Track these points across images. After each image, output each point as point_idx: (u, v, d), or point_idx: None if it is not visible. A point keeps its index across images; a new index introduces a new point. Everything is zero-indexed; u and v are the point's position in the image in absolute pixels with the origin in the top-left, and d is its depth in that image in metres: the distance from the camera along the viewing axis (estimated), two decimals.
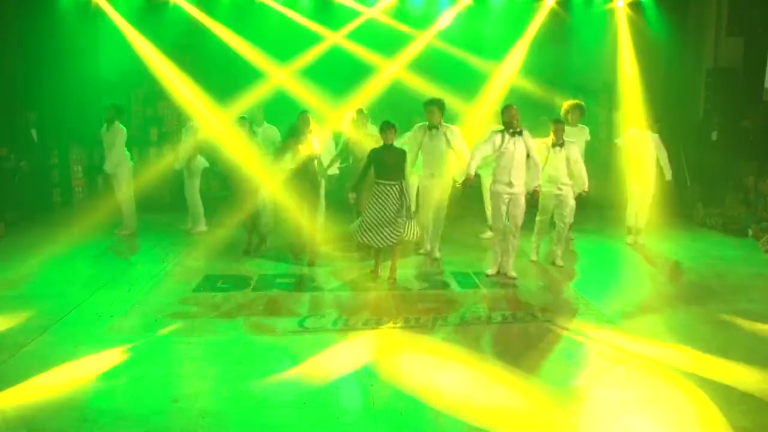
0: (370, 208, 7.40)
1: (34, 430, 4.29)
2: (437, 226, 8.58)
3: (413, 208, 7.64)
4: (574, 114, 9.17)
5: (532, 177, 7.69)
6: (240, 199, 8.57)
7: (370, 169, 7.50)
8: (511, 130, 7.54)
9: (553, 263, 8.40)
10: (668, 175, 9.25)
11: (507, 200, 7.66)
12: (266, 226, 9.24)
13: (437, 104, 8.20)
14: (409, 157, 7.83)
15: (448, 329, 6.08)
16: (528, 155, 7.60)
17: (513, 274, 7.78)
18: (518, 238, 7.84)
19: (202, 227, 10.13)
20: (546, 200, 8.27)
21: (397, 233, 7.34)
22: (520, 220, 7.72)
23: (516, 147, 7.52)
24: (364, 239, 7.47)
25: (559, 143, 8.12)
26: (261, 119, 10.07)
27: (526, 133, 7.63)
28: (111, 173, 9.85)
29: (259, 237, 8.92)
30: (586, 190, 8.23)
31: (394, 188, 7.36)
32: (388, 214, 7.31)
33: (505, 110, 7.69)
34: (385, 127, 7.45)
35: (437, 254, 8.65)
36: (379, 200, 7.35)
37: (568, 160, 8.10)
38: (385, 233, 7.32)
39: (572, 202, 8.22)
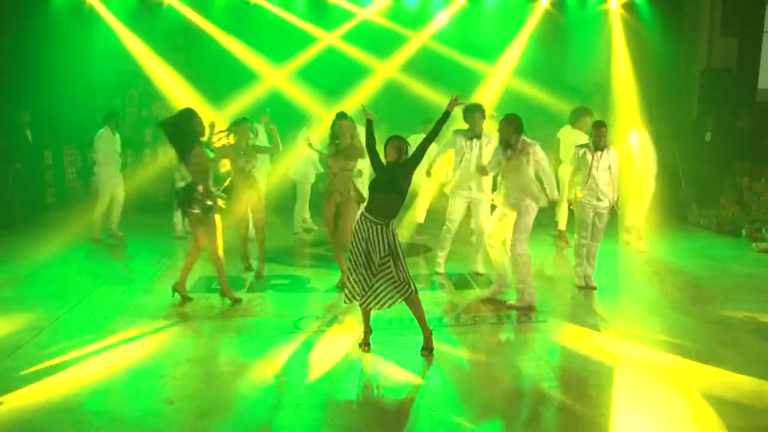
0: (351, 244, 5.56)
1: (29, 431, 4.28)
2: (481, 242, 7.57)
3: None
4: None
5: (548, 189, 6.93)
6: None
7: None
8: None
9: (586, 285, 7.45)
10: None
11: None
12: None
13: (480, 109, 7.53)
14: (438, 166, 7.45)
15: (443, 330, 6.08)
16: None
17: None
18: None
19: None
20: (585, 213, 7.34)
21: (365, 290, 5.43)
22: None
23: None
24: (347, 286, 5.66)
25: (601, 147, 7.26)
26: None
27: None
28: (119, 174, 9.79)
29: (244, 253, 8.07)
30: (615, 201, 7.45)
31: (376, 228, 5.39)
32: (366, 259, 5.41)
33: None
34: (392, 139, 5.56)
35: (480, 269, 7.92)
36: (358, 237, 5.45)
37: (609, 168, 7.27)
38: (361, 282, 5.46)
39: (607, 217, 7.43)
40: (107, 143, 9.60)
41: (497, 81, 12.59)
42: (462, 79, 12.43)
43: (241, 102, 11.07)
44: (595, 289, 7.38)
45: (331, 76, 11.92)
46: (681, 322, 6.40)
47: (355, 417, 4.54)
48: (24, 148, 11.25)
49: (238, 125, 7.55)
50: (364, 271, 5.40)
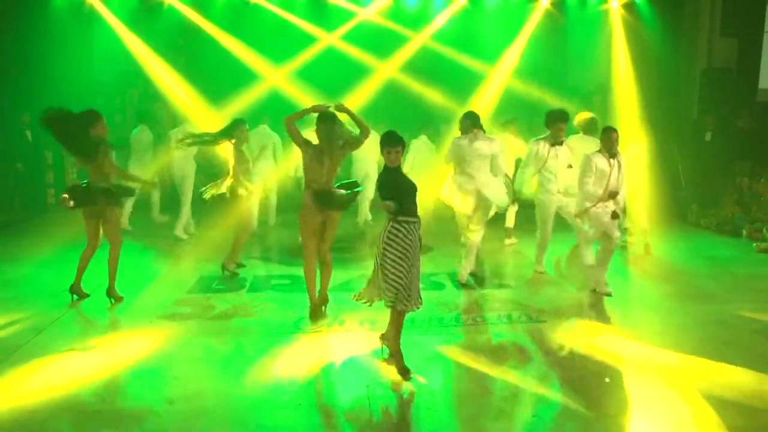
0: (391, 254, 5.05)
1: (29, 431, 4.28)
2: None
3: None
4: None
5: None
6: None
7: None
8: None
9: (594, 290, 7.21)
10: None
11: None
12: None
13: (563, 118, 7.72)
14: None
15: (443, 330, 6.08)
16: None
17: None
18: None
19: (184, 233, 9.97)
20: (598, 219, 7.03)
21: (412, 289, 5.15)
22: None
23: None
24: (403, 305, 5.15)
25: (613, 155, 6.95)
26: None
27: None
28: None
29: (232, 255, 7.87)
30: (621, 208, 7.23)
31: (416, 227, 5.16)
32: (415, 262, 5.15)
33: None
34: (388, 143, 5.14)
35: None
36: (404, 244, 5.05)
37: (621, 174, 7.07)
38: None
39: (617, 223, 7.18)
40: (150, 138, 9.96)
41: (497, 81, 12.60)
42: (462, 79, 12.45)
43: (241, 102, 11.07)
44: (610, 294, 7.12)
45: (331, 76, 11.90)
46: (681, 322, 6.39)
47: (355, 417, 4.54)
48: (24, 148, 11.26)
49: (236, 127, 7.52)
50: (413, 272, 5.10)
